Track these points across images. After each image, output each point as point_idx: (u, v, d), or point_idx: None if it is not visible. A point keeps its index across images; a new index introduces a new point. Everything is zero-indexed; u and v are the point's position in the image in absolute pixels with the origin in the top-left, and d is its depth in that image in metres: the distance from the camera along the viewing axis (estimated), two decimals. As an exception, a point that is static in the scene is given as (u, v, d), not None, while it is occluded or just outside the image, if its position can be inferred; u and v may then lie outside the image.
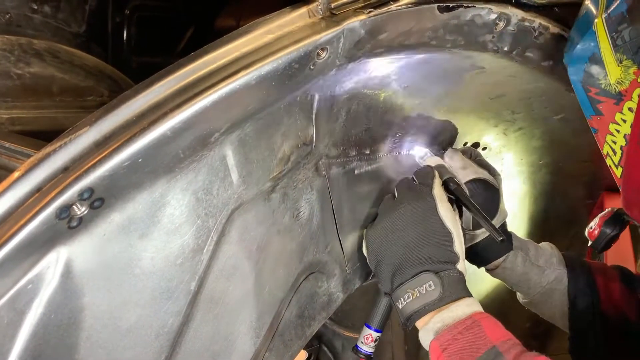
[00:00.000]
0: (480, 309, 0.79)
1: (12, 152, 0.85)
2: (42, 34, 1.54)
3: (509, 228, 1.07)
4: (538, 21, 0.85)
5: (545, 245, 1.08)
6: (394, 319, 1.34)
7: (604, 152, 0.84)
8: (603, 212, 1.12)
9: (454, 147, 1.12)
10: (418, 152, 1.03)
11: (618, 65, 0.76)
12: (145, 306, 0.67)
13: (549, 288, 1.02)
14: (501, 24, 0.82)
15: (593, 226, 1.11)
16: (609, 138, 0.82)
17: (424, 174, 0.90)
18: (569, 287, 1.01)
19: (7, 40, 1.26)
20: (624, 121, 0.78)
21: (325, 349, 1.59)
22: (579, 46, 0.80)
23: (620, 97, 0.78)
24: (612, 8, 0.75)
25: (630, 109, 0.77)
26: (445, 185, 0.91)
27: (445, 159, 1.00)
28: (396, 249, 0.84)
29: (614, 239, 1.09)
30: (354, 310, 1.47)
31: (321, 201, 0.89)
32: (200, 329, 0.74)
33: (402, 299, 0.81)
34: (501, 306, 1.35)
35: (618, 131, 0.80)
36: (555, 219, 1.49)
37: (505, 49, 0.85)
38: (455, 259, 0.82)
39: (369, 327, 0.97)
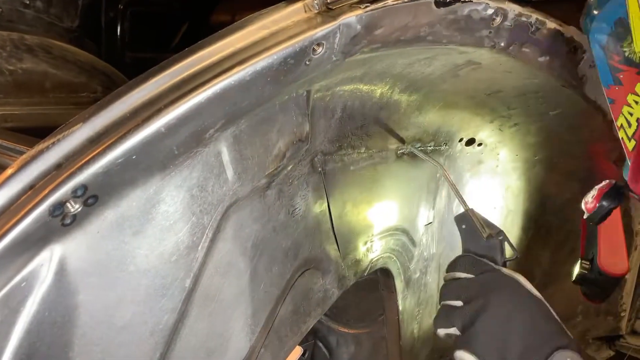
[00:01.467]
0: None
1: (5, 149, 0.84)
2: (34, 30, 1.53)
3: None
4: (535, 16, 0.85)
5: None
6: (389, 315, 1.35)
7: (618, 123, 0.80)
8: (602, 184, 1.09)
9: None
10: None
11: None
12: (140, 303, 0.66)
13: None
14: (498, 19, 0.82)
15: (590, 199, 1.09)
16: (625, 109, 0.78)
17: (488, 250, 0.88)
18: None
19: (-1, 35, 1.25)
20: None
21: (321, 344, 1.59)
22: (605, 8, 0.76)
23: None
24: None
25: None
26: None
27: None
28: (514, 337, 0.75)
29: (610, 212, 1.08)
30: (349, 306, 1.48)
31: (316, 197, 0.88)
32: (195, 326, 0.74)
33: None
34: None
35: (637, 102, 0.75)
36: (550, 215, 1.50)
37: (502, 44, 0.85)
38: (562, 325, 0.77)
39: None
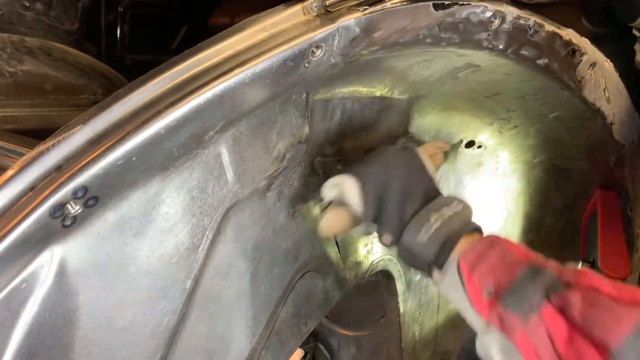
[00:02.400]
0: None
1: (5, 150, 0.84)
2: (34, 32, 1.53)
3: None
4: (533, 19, 0.85)
5: None
6: (390, 317, 1.35)
7: None
8: None
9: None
10: None
11: None
12: (141, 305, 0.66)
13: None
14: (496, 22, 0.82)
15: None
16: None
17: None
18: None
19: (-1, 37, 1.25)
20: None
21: (322, 347, 1.59)
22: None
23: None
24: None
25: None
26: None
27: None
28: (397, 176, 0.79)
29: None
30: (350, 308, 1.47)
31: (317, 199, 0.89)
32: (196, 328, 0.74)
33: (424, 228, 0.75)
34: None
35: None
36: (549, 217, 1.50)
37: (501, 47, 0.85)
38: (437, 185, 0.82)
39: None
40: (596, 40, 0.97)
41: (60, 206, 0.54)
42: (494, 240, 0.72)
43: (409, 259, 0.78)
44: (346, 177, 0.79)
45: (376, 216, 0.79)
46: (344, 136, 0.91)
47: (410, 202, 0.77)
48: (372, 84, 0.89)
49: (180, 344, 0.72)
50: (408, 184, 0.79)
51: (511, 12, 0.83)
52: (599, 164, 1.24)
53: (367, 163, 0.81)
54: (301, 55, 0.66)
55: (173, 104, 0.59)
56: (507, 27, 0.84)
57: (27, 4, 1.54)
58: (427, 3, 0.75)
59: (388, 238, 0.79)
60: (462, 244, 0.73)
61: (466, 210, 0.78)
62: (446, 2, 0.76)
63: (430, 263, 0.76)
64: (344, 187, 0.79)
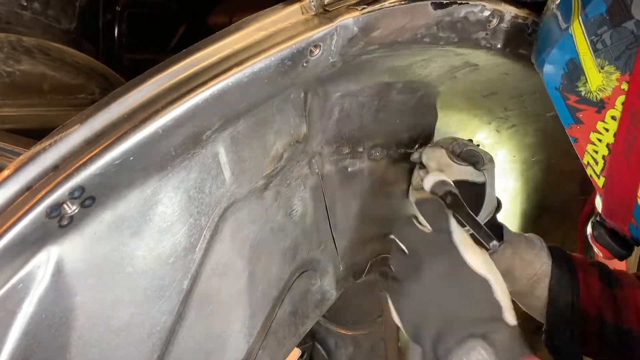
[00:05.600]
0: None
1: (2, 150, 0.84)
2: (32, 31, 1.53)
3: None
4: (531, 18, 0.85)
5: (534, 238, 1.06)
6: (387, 317, 1.35)
7: (585, 161, 0.80)
8: None
9: (434, 140, 1.08)
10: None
11: (599, 72, 0.71)
12: (138, 305, 0.66)
13: (534, 281, 1.01)
14: (494, 21, 0.82)
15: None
16: (589, 147, 0.78)
17: (434, 215, 0.78)
18: (552, 282, 0.99)
19: (-4, 37, 1.25)
20: (607, 130, 0.74)
21: (319, 346, 1.59)
22: (554, 51, 0.76)
23: (602, 105, 0.73)
24: (589, 8, 0.71)
25: (613, 117, 0.73)
26: (443, 200, 0.83)
27: (423, 159, 0.97)
28: (433, 315, 0.71)
29: None
30: (347, 307, 1.48)
31: (314, 199, 0.89)
32: (193, 328, 0.74)
33: None
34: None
35: (600, 140, 0.76)
36: (547, 216, 1.50)
37: (499, 46, 0.85)
38: (499, 311, 0.70)
39: None
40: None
41: (57, 206, 0.54)
42: None
43: None
44: (387, 296, 0.77)
45: (414, 339, 0.74)
46: (342, 136, 0.91)
47: (442, 345, 0.69)
48: (370, 84, 0.89)
49: (177, 344, 0.72)
50: (444, 327, 0.70)
51: (509, 11, 0.83)
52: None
53: (402, 294, 0.75)
54: (299, 55, 0.66)
55: (171, 103, 0.59)
56: (505, 26, 0.84)
57: (25, 4, 1.54)
58: (425, 2, 0.75)
59: None
60: None
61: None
62: (444, 1, 0.76)
63: None
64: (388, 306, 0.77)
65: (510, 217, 1.45)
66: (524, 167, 1.36)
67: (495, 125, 1.19)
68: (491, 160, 0.97)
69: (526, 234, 1.07)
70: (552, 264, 1.01)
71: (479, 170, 0.95)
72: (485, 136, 1.22)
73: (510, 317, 0.71)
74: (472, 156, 0.96)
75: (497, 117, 1.15)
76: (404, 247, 0.78)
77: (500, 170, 1.33)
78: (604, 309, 0.96)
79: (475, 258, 0.74)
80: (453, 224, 0.76)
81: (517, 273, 1.01)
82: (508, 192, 1.40)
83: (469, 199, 0.91)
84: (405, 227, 0.80)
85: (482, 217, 0.98)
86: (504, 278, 1.04)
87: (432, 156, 0.96)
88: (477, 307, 0.71)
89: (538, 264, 1.01)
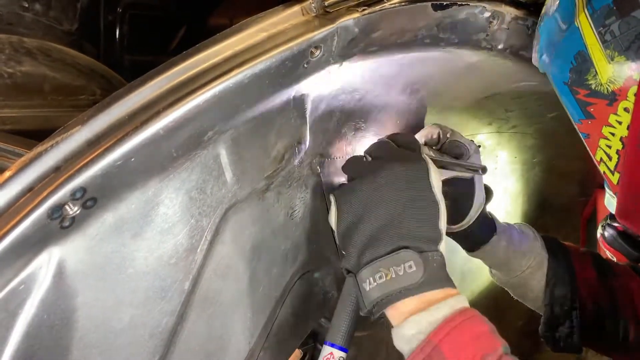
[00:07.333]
0: (464, 304, 0.69)
1: (3, 151, 0.84)
2: (33, 32, 1.53)
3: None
4: (531, 19, 0.85)
5: (526, 228, 1.05)
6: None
7: (597, 158, 0.77)
8: None
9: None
10: None
11: (609, 63, 0.69)
12: (139, 306, 0.66)
13: (529, 272, 1.00)
14: (495, 22, 0.82)
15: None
16: (602, 142, 0.75)
17: (407, 140, 0.79)
18: (548, 273, 0.99)
19: (-2, 38, 1.25)
20: (620, 123, 0.71)
21: (320, 347, 1.59)
22: (561, 45, 0.74)
23: (613, 97, 0.71)
24: (594, 0, 0.69)
25: (626, 109, 0.70)
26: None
27: None
28: (374, 216, 0.70)
29: None
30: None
31: (316, 200, 0.89)
32: (194, 329, 0.74)
33: (370, 279, 0.68)
34: (495, 304, 1.36)
35: (613, 134, 0.73)
36: (548, 217, 1.50)
37: (499, 47, 0.85)
38: (439, 239, 0.71)
39: (331, 345, 0.79)
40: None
41: (59, 207, 0.54)
42: (436, 346, 0.64)
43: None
44: (332, 197, 0.77)
45: (342, 247, 0.75)
46: (342, 137, 0.91)
47: (373, 248, 0.70)
48: (370, 85, 0.89)
49: (179, 345, 0.72)
50: (381, 230, 0.70)
51: (509, 12, 0.83)
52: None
53: (351, 190, 0.74)
54: (300, 56, 0.66)
55: (172, 104, 0.59)
56: (506, 27, 0.84)
57: (26, 5, 1.54)
58: (425, 3, 0.75)
59: (345, 272, 0.76)
60: (401, 312, 0.69)
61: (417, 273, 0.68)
62: (445, 3, 0.76)
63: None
64: (330, 209, 0.77)
65: (511, 218, 1.45)
66: (524, 168, 1.36)
67: (496, 126, 1.19)
68: (476, 150, 0.95)
69: (517, 224, 1.06)
70: (548, 255, 1.01)
71: (465, 162, 0.92)
72: (486, 137, 1.22)
73: (444, 250, 0.71)
74: (455, 147, 0.93)
75: (498, 118, 1.16)
76: (369, 154, 0.78)
77: (501, 172, 1.33)
78: (601, 299, 0.96)
79: (436, 180, 0.73)
80: (424, 149, 0.77)
81: (511, 265, 1.01)
82: (509, 193, 1.40)
83: (459, 195, 0.91)
84: (377, 142, 0.80)
85: (474, 211, 0.97)
86: (499, 270, 1.05)
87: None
88: (422, 224, 0.70)
89: (532, 255, 1.00)
